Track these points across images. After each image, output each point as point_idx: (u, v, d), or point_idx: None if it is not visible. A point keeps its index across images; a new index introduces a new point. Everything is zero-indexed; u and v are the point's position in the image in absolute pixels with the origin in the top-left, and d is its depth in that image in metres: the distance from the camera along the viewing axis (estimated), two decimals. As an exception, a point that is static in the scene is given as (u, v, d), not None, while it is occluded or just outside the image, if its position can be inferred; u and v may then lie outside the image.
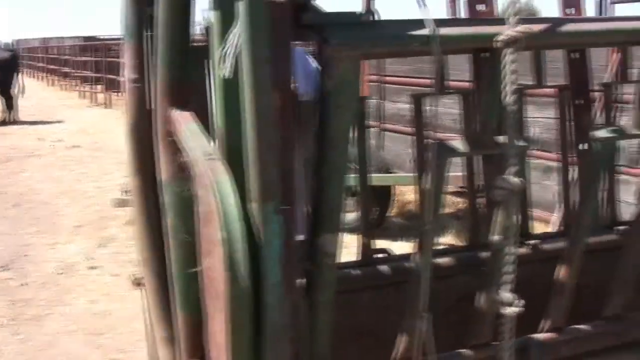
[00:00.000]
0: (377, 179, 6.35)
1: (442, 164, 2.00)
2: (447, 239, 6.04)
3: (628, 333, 2.65)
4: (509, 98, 1.89)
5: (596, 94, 4.00)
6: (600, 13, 8.95)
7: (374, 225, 4.87)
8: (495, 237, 2.09)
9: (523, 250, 3.28)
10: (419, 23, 1.91)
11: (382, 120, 9.78)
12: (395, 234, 7.31)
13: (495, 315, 2.16)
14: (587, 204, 2.31)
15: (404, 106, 8.39)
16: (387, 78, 9.61)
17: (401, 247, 6.21)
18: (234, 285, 1.61)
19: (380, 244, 3.65)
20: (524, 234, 3.44)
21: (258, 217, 1.68)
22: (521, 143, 1.99)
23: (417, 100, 3.28)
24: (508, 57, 1.89)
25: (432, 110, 3.48)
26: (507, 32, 1.88)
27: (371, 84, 9.51)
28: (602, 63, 4.72)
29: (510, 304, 2.00)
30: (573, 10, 4.10)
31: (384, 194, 7.49)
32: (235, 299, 1.62)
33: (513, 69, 1.88)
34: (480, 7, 3.54)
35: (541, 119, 5.39)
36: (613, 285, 2.60)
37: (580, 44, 2.93)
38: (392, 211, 8.12)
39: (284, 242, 1.71)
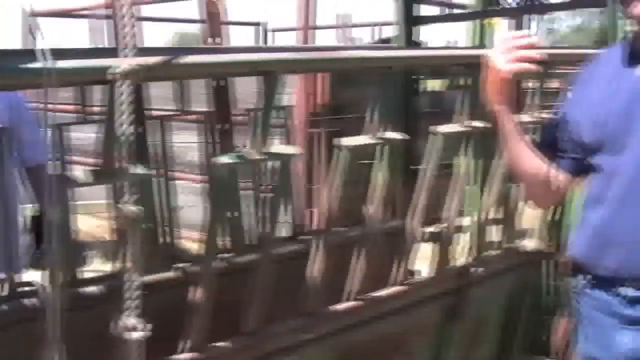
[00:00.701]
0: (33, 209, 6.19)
1: (62, 194, 2.00)
2: (102, 267, 5.99)
3: (262, 347, 2.79)
4: (125, 128, 1.94)
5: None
6: (265, 41, 9.35)
7: (31, 257, 4.75)
8: (124, 264, 2.13)
9: (171, 273, 3.35)
10: (36, 54, 1.90)
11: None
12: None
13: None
14: (214, 226, 2.42)
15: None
16: (59, 106, 9.35)
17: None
18: None
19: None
20: (174, 256, 3.53)
21: None
22: (140, 171, 2.05)
23: (58, 129, 3.26)
24: (125, 89, 1.93)
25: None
26: (123, 64, 1.93)
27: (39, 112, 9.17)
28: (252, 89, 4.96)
29: (135, 329, 2.04)
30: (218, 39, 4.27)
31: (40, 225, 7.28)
32: None
33: (130, 100, 1.94)
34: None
35: (188, 144, 5.59)
36: (248, 300, 2.73)
37: (203, 75, 3.03)
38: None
39: None
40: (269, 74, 2.37)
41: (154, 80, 2.74)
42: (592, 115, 2.22)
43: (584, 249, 2.28)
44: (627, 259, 2.14)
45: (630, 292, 2.17)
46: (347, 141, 2.73)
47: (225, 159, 2.35)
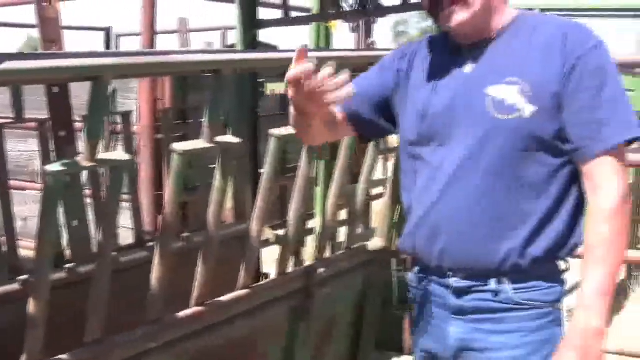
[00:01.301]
0: None
1: None
2: None
3: (106, 357, 2.75)
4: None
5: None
6: (109, 45, 9.19)
7: None
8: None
9: (15, 286, 3.28)
10: None
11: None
12: None
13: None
14: (44, 235, 2.36)
15: None
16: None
17: None
18: None
19: None
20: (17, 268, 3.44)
21: None
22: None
23: None
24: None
25: None
26: None
27: None
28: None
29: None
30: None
31: None
32: None
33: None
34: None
35: (31, 152, 5.51)
36: (90, 310, 2.68)
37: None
38: None
39: None
40: (96, 79, 2.33)
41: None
42: (418, 111, 2.25)
43: (413, 240, 2.33)
44: (450, 249, 2.21)
45: (455, 282, 2.25)
46: (180, 146, 2.72)
47: (55, 167, 2.30)
